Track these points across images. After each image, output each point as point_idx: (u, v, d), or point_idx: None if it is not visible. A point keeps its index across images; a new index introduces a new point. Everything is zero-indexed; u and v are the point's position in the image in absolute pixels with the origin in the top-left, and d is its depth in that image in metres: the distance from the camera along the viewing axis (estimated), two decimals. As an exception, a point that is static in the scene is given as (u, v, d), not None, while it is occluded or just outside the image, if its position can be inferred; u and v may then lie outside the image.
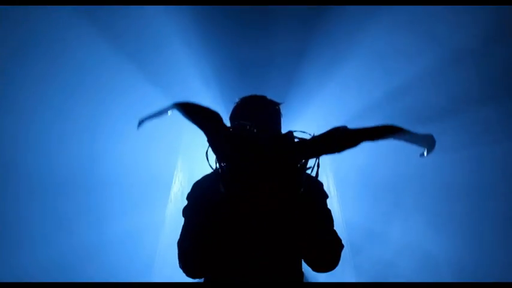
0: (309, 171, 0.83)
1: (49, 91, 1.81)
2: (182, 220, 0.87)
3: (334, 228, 0.88)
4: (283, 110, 0.99)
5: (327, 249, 0.79)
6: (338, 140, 0.81)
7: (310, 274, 0.96)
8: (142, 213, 2.87)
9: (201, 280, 0.87)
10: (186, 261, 0.78)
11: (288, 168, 0.80)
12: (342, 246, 0.83)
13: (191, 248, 0.78)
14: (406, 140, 0.93)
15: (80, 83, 2.05)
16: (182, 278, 0.84)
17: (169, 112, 0.83)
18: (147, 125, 0.82)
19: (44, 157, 1.88)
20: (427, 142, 0.93)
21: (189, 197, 0.89)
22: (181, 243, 0.80)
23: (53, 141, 1.92)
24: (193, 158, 3.36)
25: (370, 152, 3.10)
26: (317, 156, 0.83)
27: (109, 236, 2.62)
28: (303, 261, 0.88)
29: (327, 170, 3.78)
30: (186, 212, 0.87)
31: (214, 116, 0.80)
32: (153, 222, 2.96)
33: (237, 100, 1.00)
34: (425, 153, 0.98)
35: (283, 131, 0.90)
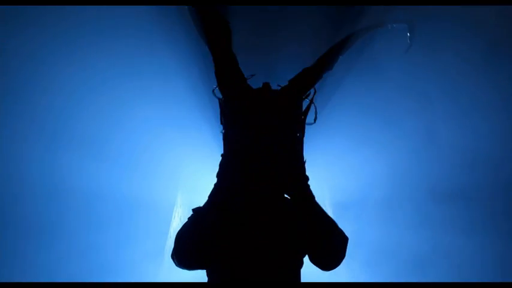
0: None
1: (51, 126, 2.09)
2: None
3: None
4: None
5: (335, 241, 0.79)
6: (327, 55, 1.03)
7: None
8: (141, 250, 2.94)
9: (199, 281, 0.90)
10: (182, 246, 0.77)
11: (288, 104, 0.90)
12: (347, 239, 0.82)
13: (191, 233, 0.78)
14: (385, 25, 1.08)
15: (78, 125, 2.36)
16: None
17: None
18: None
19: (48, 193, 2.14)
20: (406, 23, 1.07)
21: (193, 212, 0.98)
22: (181, 229, 0.82)
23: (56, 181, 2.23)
24: (192, 194, 3.50)
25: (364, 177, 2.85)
26: (319, 75, 1.00)
27: (107, 270, 2.70)
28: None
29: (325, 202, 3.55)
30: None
31: (225, 35, 0.96)
32: (152, 258, 2.99)
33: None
34: (408, 36, 1.06)
35: None
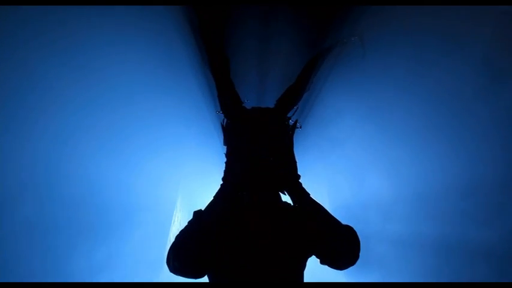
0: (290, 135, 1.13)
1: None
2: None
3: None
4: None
5: (345, 239, 0.78)
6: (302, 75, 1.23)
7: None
8: (140, 255, 2.92)
9: (198, 280, 0.88)
10: (180, 251, 0.77)
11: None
12: (355, 234, 0.80)
13: (190, 238, 0.77)
14: (340, 42, 1.33)
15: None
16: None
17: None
18: None
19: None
20: (357, 36, 1.29)
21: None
22: (180, 233, 0.81)
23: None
24: (192, 198, 3.49)
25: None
26: (299, 96, 1.21)
27: (104, 277, 2.67)
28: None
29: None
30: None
31: (225, 64, 1.17)
32: (151, 263, 2.96)
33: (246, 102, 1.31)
34: (362, 46, 1.26)
35: None
